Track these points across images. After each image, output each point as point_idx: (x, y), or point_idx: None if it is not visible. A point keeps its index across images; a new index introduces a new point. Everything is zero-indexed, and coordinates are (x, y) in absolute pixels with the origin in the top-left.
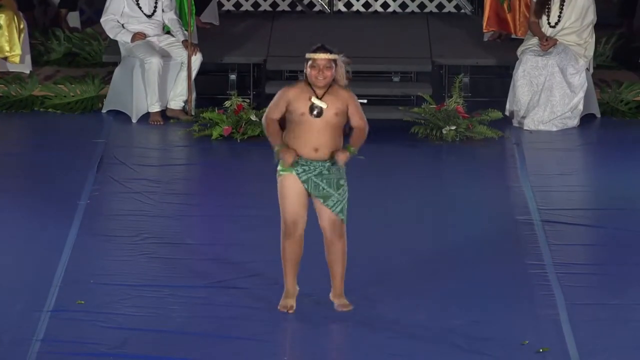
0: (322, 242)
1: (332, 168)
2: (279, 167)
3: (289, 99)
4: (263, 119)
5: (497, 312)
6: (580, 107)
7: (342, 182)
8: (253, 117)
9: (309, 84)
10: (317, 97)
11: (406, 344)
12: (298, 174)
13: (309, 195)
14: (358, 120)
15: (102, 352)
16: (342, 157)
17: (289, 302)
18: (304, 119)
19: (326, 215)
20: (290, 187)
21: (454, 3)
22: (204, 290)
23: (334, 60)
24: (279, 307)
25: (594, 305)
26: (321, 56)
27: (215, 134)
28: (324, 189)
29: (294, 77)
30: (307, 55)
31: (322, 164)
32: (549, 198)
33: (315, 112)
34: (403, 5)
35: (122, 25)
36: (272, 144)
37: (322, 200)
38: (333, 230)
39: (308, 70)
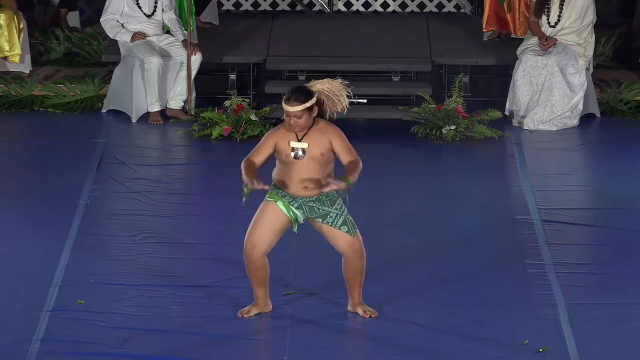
0: (322, 241)
1: (321, 197)
2: (267, 195)
3: (276, 140)
4: (244, 161)
5: (497, 312)
6: (580, 107)
7: (334, 198)
8: (253, 117)
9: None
10: (298, 139)
11: (406, 344)
12: (288, 202)
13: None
14: (347, 157)
15: (102, 352)
16: (335, 184)
17: (250, 308)
18: (290, 160)
19: (340, 241)
20: (267, 213)
21: (454, 3)
22: (204, 290)
23: (308, 108)
24: (239, 313)
25: (594, 305)
26: (288, 109)
27: (215, 134)
28: (319, 209)
29: (294, 77)
30: (283, 104)
31: (310, 199)
32: (549, 198)
33: (299, 155)
34: (403, 5)
35: (122, 25)
36: (243, 179)
37: (321, 220)
38: (352, 252)
39: (285, 118)
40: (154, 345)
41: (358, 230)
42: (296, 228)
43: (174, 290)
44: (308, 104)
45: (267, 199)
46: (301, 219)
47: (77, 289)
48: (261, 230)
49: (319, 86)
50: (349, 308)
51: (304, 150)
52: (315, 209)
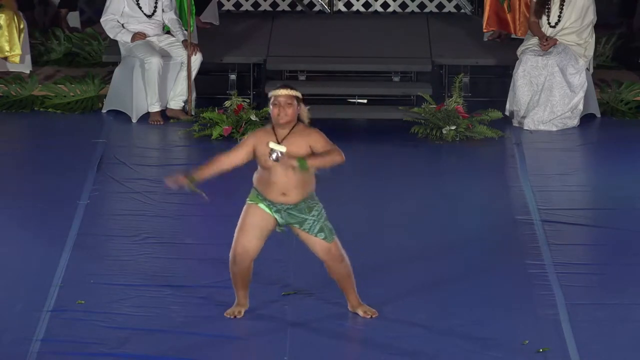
0: None
1: (300, 204)
2: (248, 198)
3: (255, 143)
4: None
5: (497, 312)
6: (580, 107)
7: (312, 204)
8: (253, 117)
9: (273, 128)
10: (277, 141)
11: (406, 344)
12: (268, 205)
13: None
14: (325, 149)
15: (102, 352)
16: (291, 162)
17: (237, 308)
18: (269, 164)
19: (317, 247)
20: (251, 217)
21: (454, 3)
22: (204, 290)
23: (296, 97)
24: (225, 314)
25: (594, 305)
26: (281, 92)
27: (215, 134)
28: (296, 215)
29: (294, 77)
30: (269, 94)
31: (288, 205)
32: (549, 198)
33: (273, 157)
34: (403, 5)
35: (122, 25)
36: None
37: (298, 226)
38: (330, 258)
39: (271, 109)
40: (154, 345)
41: (336, 237)
42: (279, 228)
43: (174, 290)
44: (298, 93)
45: (249, 202)
46: (282, 221)
47: (77, 289)
48: (250, 234)
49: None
50: (349, 308)
51: (281, 153)
52: (293, 215)
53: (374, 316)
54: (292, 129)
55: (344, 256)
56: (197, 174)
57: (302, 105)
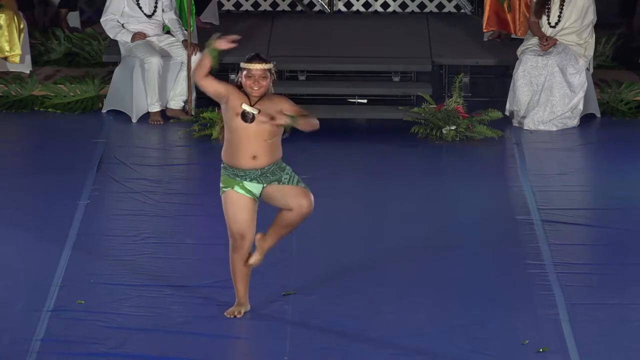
0: (322, 241)
1: (270, 168)
2: (221, 185)
3: (232, 91)
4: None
5: (497, 312)
6: (580, 107)
7: (283, 166)
8: None
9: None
10: (250, 104)
11: (406, 344)
12: (241, 180)
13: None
14: (294, 111)
15: (102, 352)
16: (282, 119)
17: (237, 308)
18: (239, 125)
19: (296, 195)
20: (235, 201)
21: (454, 3)
22: (204, 290)
23: (269, 70)
24: (226, 313)
25: (594, 305)
26: (257, 66)
27: (215, 133)
28: (271, 176)
29: (294, 77)
30: (242, 65)
31: (259, 170)
32: (549, 198)
33: (247, 119)
34: (403, 5)
35: (122, 25)
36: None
37: (277, 183)
38: (301, 205)
39: (243, 80)
40: (154, 345)
41: (312, 198)
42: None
43: (174, 290)
44: (270, 65)
45: (223, 189)
46: (257, 192)
47: (77, 289)
48: (241, 219)
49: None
50: (256, 241)
51: (253, 116)
52: (268, 178)
53: (255, 264)
54: (262, 96)
55: (311, 210)
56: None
57: (274, 75)
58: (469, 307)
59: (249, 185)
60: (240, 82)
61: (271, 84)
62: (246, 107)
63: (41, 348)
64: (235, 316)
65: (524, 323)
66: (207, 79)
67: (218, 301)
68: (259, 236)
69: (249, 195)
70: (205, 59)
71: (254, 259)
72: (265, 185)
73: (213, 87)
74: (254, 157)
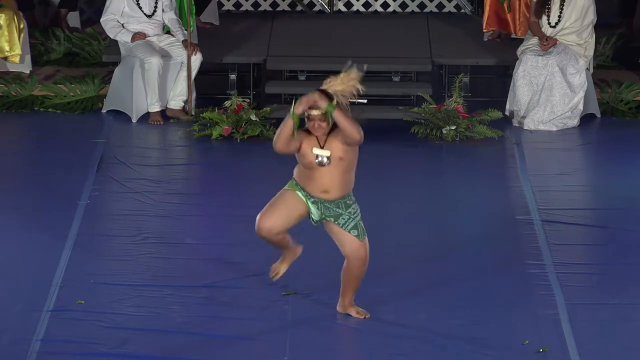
0: (322, 241)
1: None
2: (286, 186)
3: (302, 139)
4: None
5: (497, 312)
6: (580, 107)
7: (349, 202)
8: (253, 117)
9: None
10: (320, 146)
11: (406, 344)
12: (306, 194)
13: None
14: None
15: (102, 352)
16: (322, 101)
17: (280, 265)
18: (313, 165)
19: (346, 243)
20: (286, 198)
21: (454, 3)
22: (204, 290)
23: (324, 114)
24: (270, 273)
25: (594, 305)
26: (313, 113)
27: (215, 134)
28: (333, 209)
29: (294, 77)
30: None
31: (328, 201)
32: (549, 198)
33: (324, 162)
34: (403, 5)
35: (122, 25)
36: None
37: (333, 220)
38: (355, 256)
39: (306, 120)
40: (154, 345)
41: (367, 237)
42: (313, 220)
43: (174, 290)
44: (329, 106)
45: (286, 188)
46: (315, 216)
47: (77, 289)
48: (278, 215)
49: (335, 87)
50: (338, 308)
51: (328, 158)
52: (330, 208)
53: (366, 317)
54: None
55: (368, 259)
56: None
57: (336, 103)
58: (469, 307)
59: (310, 205)
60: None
61: (347, 105)
62: (317, 152)
63: (41, 348)
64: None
65: (524, 323)
66: (288, 145)
67: (218, 301)
68: (340, 307)
69: (306, 207)
70: (287, 126)
71: (362, 316)
72: (324, 216)
73: (292, 148)
74: (325, 192)
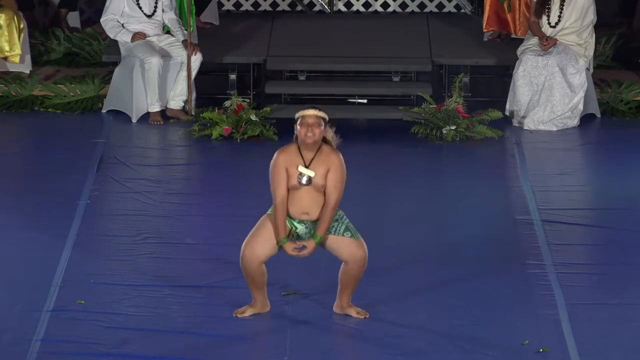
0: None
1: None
2: (269, 209)
3: (286, 165)
4: (273, 206)
5: (497, 312)
6: (580, 107)
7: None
8: (253, 117)
9: (299, 148)
10: (305, 165)
11: (406, 344)
12: (289, 219)
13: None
14: (332, 189)
15: (102, 352)
16: (307, 251)
17: (246, 309)
18: (295, 186)
19: (343, 247)
20: (268, 228)
21: (454, 3)
22: (204, 290)
23: (323, 119)
24: (234, 313)
25: (594, 305)
26: (310, 112)
27: (215, 134)
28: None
29: (294, 77)
30: (297, 115)
31: (310, 222)
32: (549, 198)
33: (303, 182)
34: (403, 5)
35: (122, 25)
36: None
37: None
38: (356, 260)
39: (297, 129)
40: (154, 345)
41: (361, 237)
42: (297, 235)
43: (174, 290)
44: (325, 115)
45: (269, 213)
46: (303, 232)
47: (77, 289)
48: (262, 242)
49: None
50: (335, 309)
51: (309, 178)
52: (316, 223)
53: (366, 317)
54: (317, 150)
55: (366, 260)
56: (281, 235)
57: (329, 127)
58: (469, 307)
59: (297, 224)
60: (296, 135)
61: (330, 137)
62: (302, 170)
63: (41, 348)
64: (237, 316)
65: (524, 323)
66: (283, 198)
67: (218, 301)
68: (337, 308)
69: (290, 227)
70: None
71: (362, 316)
72: (312, 232)
73: (284, 186)
74: (306, 213)
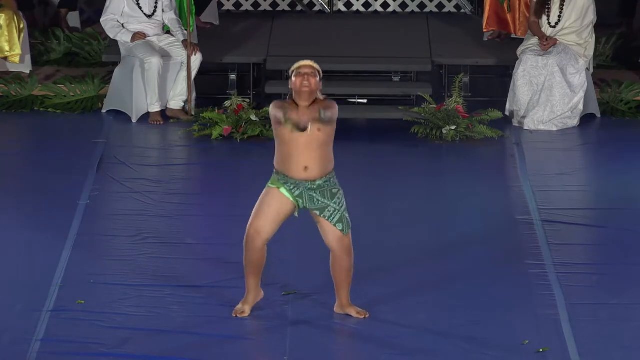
0: (320, 241)
1: (322, 184)
2: (268, 183)
3: (284, 107)
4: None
5: (497, 312)
6: (580, 107)
7: (334, 190)
8: (253, 117)
9: (294, 102)
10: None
11: (406, 344)
12: (290, 189)
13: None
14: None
15: (102, 352)
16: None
17: (243, 306)
18: (291, 137)
19: (331, 234)
20: (271, 200)
21: (454, 3)
22: (203, 290)
23: (318, 71)
24: (233, 313)
25: (594, 305)
26: (306, 62)
27: (215, 134)
28: (318, 200)
29: None
30: (291, 69)
31: (311, 184)
32: (549, 198)
33: (300, 127)
34: (403, 5)
35: (122, 25)
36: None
37: (318, 213)
38: (340, 248)
39: (293, 80)
40: (154, 345)
41: (350, 231)
42: (297, 213)
43: (174, 290)
44: (319, 67)
45: (270, 185)
46: (300, 206)
47: (77, 289)
48: (265, 217)
49: None
50: (336, 309)
51: (305, 125)
52: (315, 199)
53: (366, 316)
54: (312, 103)
55: (352, 250)
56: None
57: (321, 84)
58: (468, 307)
59: (296, 199)
60: (291, 88)
61: (320, 89)
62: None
63: (41, 348)
64: (236, 315)
65: (524, 323)
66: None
67: (218, 301)
68: (337, 307)
69: (292, 200)
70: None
71: (363, 316)
72: (309, 209)
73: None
74: (306, 169)
